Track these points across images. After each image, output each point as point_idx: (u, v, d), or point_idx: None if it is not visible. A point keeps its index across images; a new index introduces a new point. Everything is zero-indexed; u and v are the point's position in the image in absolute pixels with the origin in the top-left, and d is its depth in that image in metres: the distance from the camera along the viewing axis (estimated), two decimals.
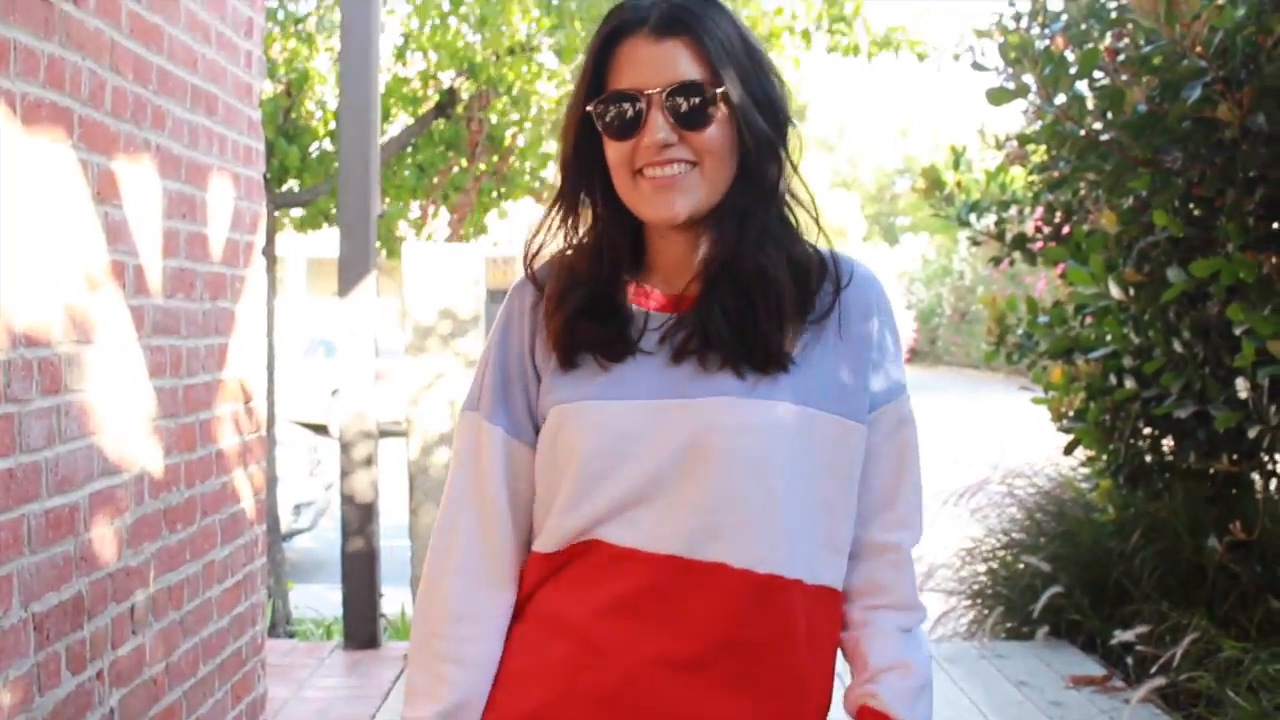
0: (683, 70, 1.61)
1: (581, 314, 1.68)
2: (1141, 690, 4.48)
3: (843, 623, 1.76)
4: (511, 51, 8.32)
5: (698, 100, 1.60)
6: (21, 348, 2.83)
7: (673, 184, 1.62)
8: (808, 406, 1.64)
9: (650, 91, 1.61)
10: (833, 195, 37.35)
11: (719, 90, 1.61)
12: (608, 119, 1.64)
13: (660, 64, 1.61)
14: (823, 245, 1.74)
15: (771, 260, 1.65)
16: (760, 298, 1.63)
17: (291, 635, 7.29)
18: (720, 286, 1.65)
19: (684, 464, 1.62)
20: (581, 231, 1.75)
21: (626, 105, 1.62)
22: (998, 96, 4.28)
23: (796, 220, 1.73)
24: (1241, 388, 4.16)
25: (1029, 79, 4.21)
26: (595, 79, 1.66)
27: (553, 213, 1.76)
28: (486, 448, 1.75)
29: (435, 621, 1.75)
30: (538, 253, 1.78)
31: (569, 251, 1.75)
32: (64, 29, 3.03)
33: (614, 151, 1.65)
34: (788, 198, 1.72)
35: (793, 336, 1.65)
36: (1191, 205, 4.42)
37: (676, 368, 1.65)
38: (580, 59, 1.69)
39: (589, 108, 1.66)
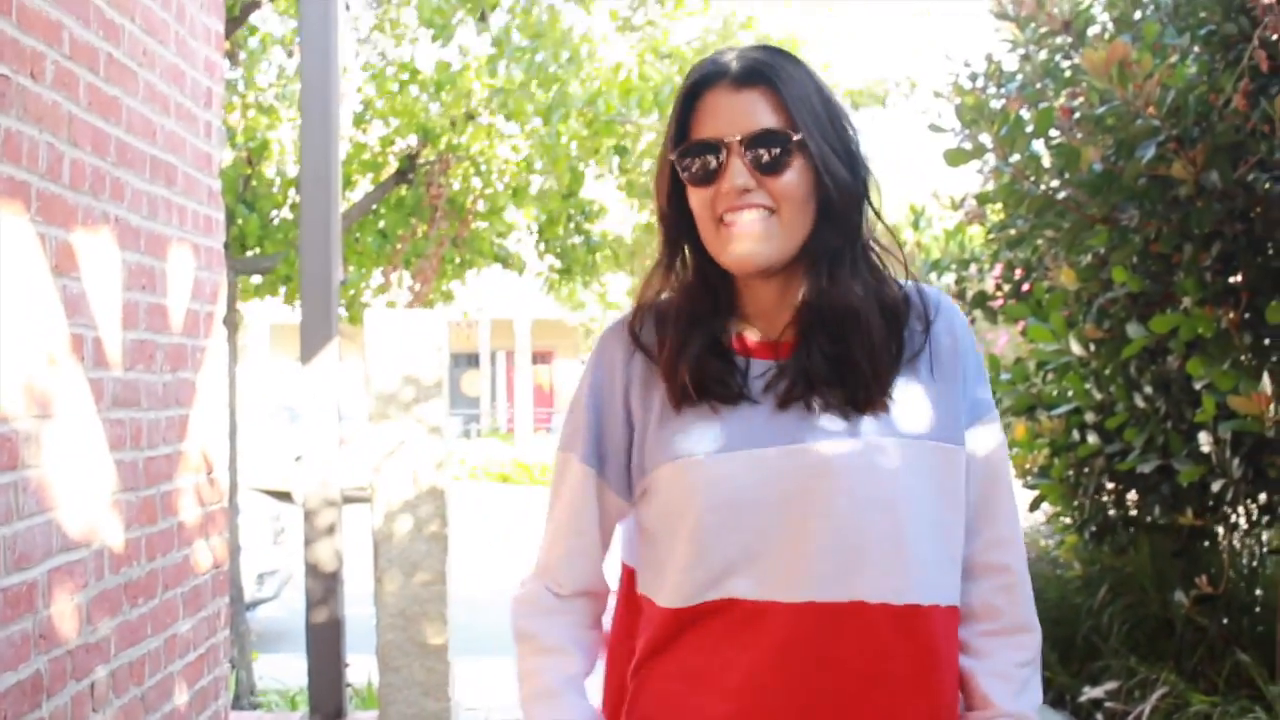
0: (760, 119, 1.66)
1: (707, 354, 1.72)
2: None
3: (961, 644, 1.77)
4: (470, 117, 8.35)
5: (776, 148, 1.65)
6: None
7: (752, 231, 1.66)
8: (913, 438, 1.69)
9: (729, 140, 1.66)
10: None
11: (796, 138, 1.65)
12: (691, 168, 1.70)
13: (739, 113, 1.67)
14: (908, 282, 1.80)
15: (862, 301, 1.70)
16: (855, 339, 1.69)
17: (256, 706, 7.19)
18: (816, 330, 1.70)
19: (805, 509, 1.66)
20: (677, 280, 1.81)
21: (708, 154, 1.67)
22: (955, 157, 4.32)
23: (884, 263, 1.78)
24: (1204, 442, 4.18)
25: (985, 139, 4.25)
26: (680, 130, 1.72)
27: (657, 263, 1.82)
28: (580, 485, 1.82)
29: (528, 619, 1.86)
30: (643, 305, 1.83)
31: (666, 297, 1.80)
32: (21, 102, 3.02)
33: (697, 199, 1.71)
34: (873, 241, 1.77)
35: (890, 373, 1.70)
36: (1149, 261, 4.45)
37: (783, 414, 1.69)
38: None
39: (672, 157, 1.72)
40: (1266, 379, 3.68)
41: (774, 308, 1.75)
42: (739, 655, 1.68)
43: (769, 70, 1.68)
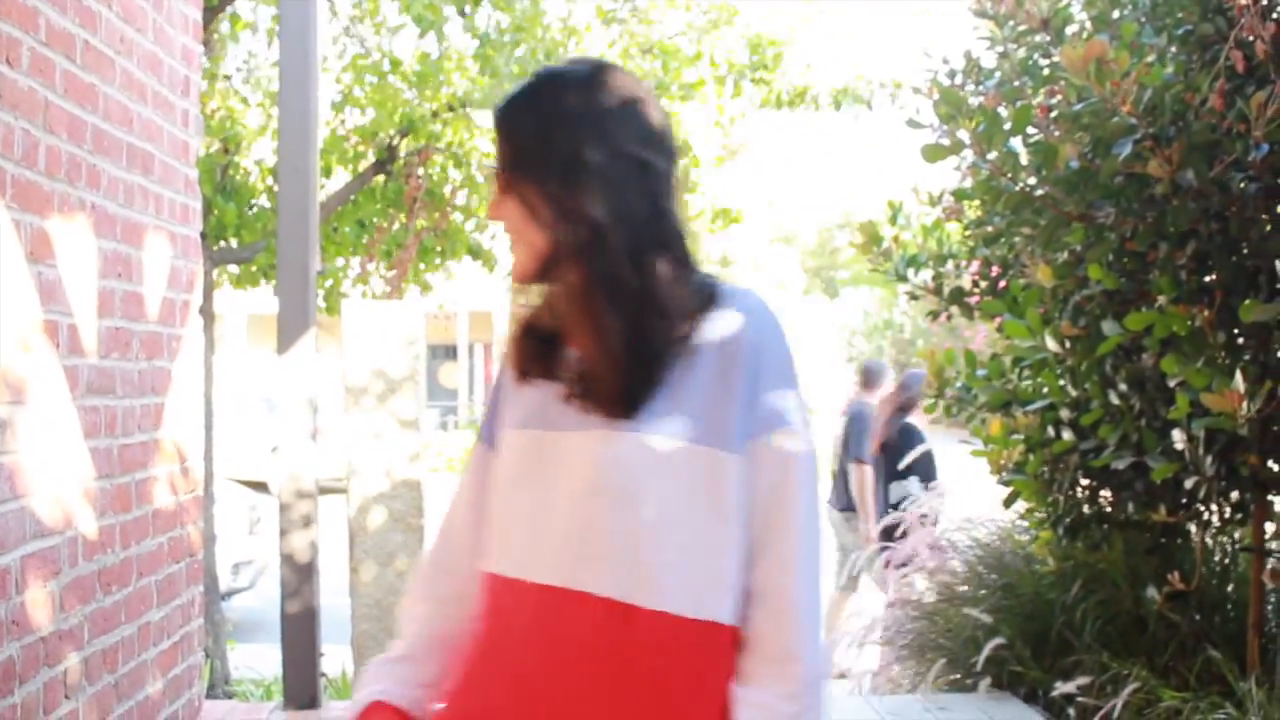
0: (497, 159, 1.80)
1: (527, 336, 1.83)
2: None
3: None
4: (451, 109, 8.34)
5: (500, 185, 1.78)
6: None
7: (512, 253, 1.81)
8: (678, 439, 1.69)
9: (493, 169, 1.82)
10: (772, 250, 37.55)
11: (508, 175, 1.77)
12: None
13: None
14: (719, 279, 1.82)
15: (608, 315, 1.71)
16: (606, 348, 1.71)
17: (230, 696, 7.19)
18: (597, 333, 1.72)
19: (551, 493, 1.74)
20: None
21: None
22: (933, 153, 4.32)
23: (684, 259, 1.78)
24: (1178, 439, 4.19)
25: (963, 135, 4.25)
26: None
27: None
28: (475, 461, 1.92)
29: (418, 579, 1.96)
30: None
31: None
32: None
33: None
34: (668, 240, 1.77)
35: (656, 374, 1.71)
36: (1125, 259, 4.47)
37: (564, 403, 1.76)
38: None
39: None
40: (1239, 377, 3.70)
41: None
42: (500, 629, 1.78)
43: (504, 107, 1.80)
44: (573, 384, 1.75)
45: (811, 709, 1.70)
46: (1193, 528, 5.22)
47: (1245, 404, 3.67)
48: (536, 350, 1.82)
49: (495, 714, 1.74)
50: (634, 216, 1.73)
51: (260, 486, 16.47)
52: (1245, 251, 4.14)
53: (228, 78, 8.60)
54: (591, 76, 1.77)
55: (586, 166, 1.72)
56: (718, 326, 1.74)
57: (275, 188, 6.93)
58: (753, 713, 1.69)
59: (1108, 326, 4.29)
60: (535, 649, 1.72)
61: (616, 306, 1.71)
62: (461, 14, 8.24)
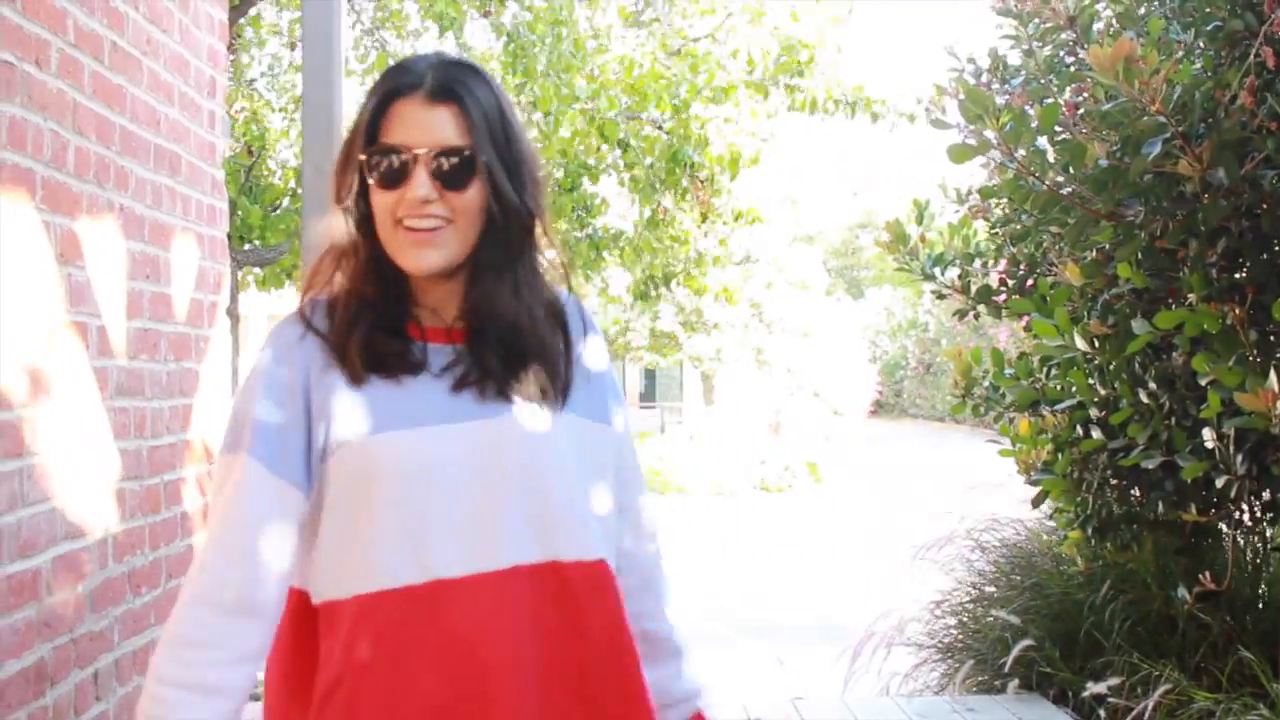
0: (448, 135, 1.76)
1: (377, 331, 1.79)
2: None
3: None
4: None
5: (459, 164, 1.76)
6: None
7: (429, 239, 1.76)
8: (573, 416, 1.87)
9: (418, 150, 1.75)
10: (794, 249, 37.49)
11: (480, 158, 1.77)
12: (379, 170, 1.77)
13: (429, 127, 1.76)
14: (562, 291, 1.97)
15: (526, 310, 1.84)
16: (521, 343, 1.83)
17: (256, 699, 7.20)
18: (486, 329, 1.82)
19: (497, 479, 1.77)
20: (348, 270, 1.86)
21: (395, 159, 1.76)
22: (959, 154, 4.30)
23: (545, 266, 1.92)
24: (1208, 438, 4.17)
25: (990, 135, 4.23)
26: (369, 131, 1.79)
27: (328, 252, 1.87)
28: (248, 486, 1.73)
29: (175, 649, 1.70)
30: (308, 292, 1.88)
31: (345, 286, 1.84)
32: (26, 90, 3.02)
33: (380, 200, 1.78)
34: (540, 255, 1.90)
35: (559, 366, 1.87)
36: (1154, 257, 4.44)
37: (460, 395, 1.79)
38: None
39: (362, 157, 1.79)
40: (1273, 376, 3.67)
41: (442, 300, 1.85)
42: (457, 636, 1.72)
43: (460, 89, 1.78)
44: (477, 379, 1.80)
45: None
46: (1224, 527, 5.19)
47: (1278, 403, 3.65)
48: (395, 347, 1.79)
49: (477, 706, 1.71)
50: (528, 207, 1.86)
51: None
52: (1277, 249, 4.11)
53: (253, 82, 8.63)
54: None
55: (524, 155, 1.83)
56: (587, 325, 1.98)
57: (299, 190, 6.94)
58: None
59: (1137, 325, 4.26)
60: (513, 630, 1.74)
61: (535, 303, 1.86)
62: (485, 14, 8.25)
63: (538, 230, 1.88)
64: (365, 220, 1.82)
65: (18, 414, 2.95)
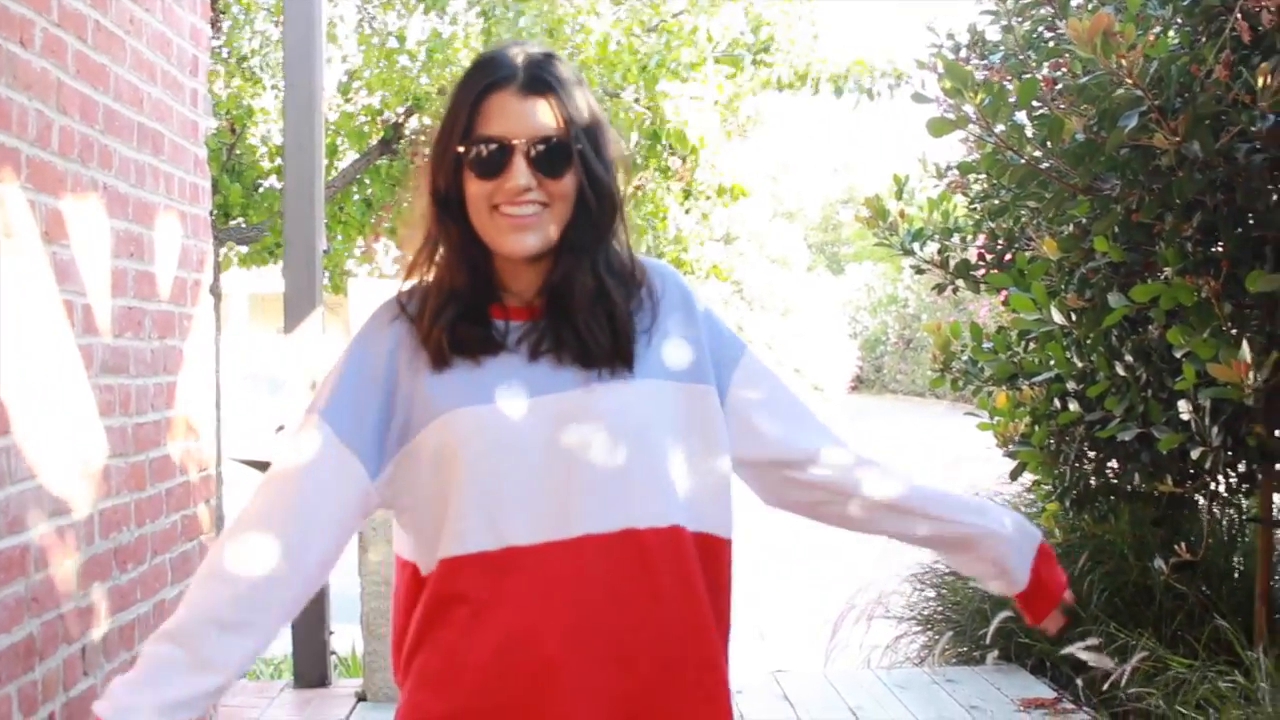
0: (545, 125, 1.84)
1: (461, 319, 1.87)
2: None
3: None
4: None
5: (556, 152, 1.84)
6: None
7: (527, 223, 1.83)
8: (656, 380, 1.90)
9: (516, 141, 1.82)
10: (775, 225, 37.52)
11: (576, 146, 1.84)
12: (477, 161, 1.84)
13: (525, 117, 1.84)
14: (642, 257, 2.02)
15: (605, 283, 1.89)
16: (599, 309, 1.88)
17: (241, 675, 7.23)
18: (564, 301, 1.88)
19: (570, 449, 1.82)
20: (441, 258, 1.93)
21: (494, 149, 1.83)
22: (938, 127, 4.33)
23: (625, 241, 1.98)
24: (1184, 410, 4.22)
25: (969, 109, 4.26)
26: (466, 123, 1.85)
27: (426, 240, 1.94)
28: (312, 444, 1.85)
29: (204, 579, 1.83)
30: (407, 278, 1.96)
31: (432, 275, 1.93)
32: (11, 69, 3.03)
33: (476, 188, 1.85)
34: (621, 229, 1.96)
35: (629, 333, 1.89)
36: (1131, 231, 4.48)
37: (535, 365, 1.86)
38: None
39: (459, 149, 1.85)
40: (1245, 347, 3.72)
41: (529, 285, 1.91)
42: (523, 603, 1.79)
43: (552, 79, 1.86)
44: (551, 346, 1.86)
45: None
46: (1200, 498, 5.25)
47: (1252, 374, 3.69)
48: (476, 333, 1.86)
49: (549, 675, 1.77)
50: (617, 189, 1.94)
51: (264, 467, 16.50)
52: (1252, 222, 4.15)
53: (244, 59, 8.62)
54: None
55: (610, 141, 1.91)
56: (669, 291, 1.99)
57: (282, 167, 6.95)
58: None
59: (1114, 298, 4.31)
60: (588, 598, 1.80)
61: (614, 277, 1.91)
62: None
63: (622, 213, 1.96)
64: (458, 207, 1.88)
65: (4, 392, 2.98)
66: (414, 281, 1.94)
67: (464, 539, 1.81)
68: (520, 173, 1.81)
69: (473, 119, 1.84)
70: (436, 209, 1.90)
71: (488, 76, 1.86)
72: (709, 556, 1.90)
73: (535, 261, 1.89)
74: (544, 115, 1.83)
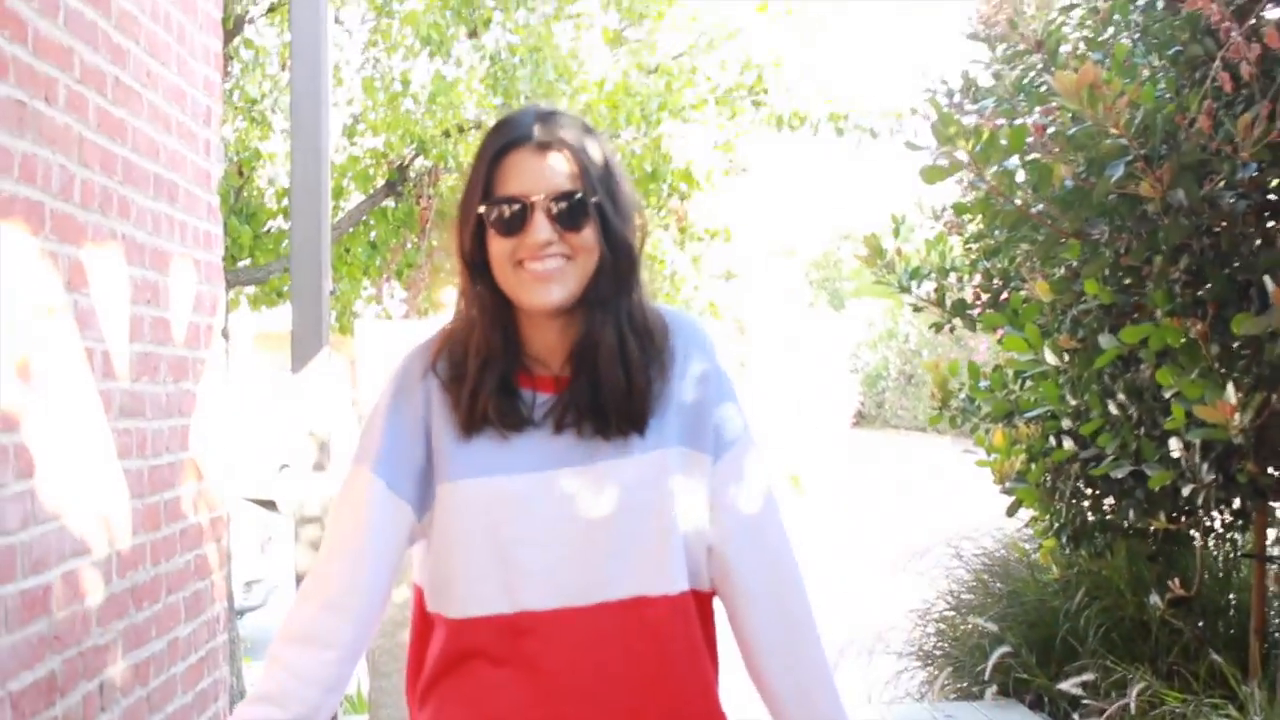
0: (562, 181, 1.89)
1: (490, 392, 1.92)
2: None
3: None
4: (461, 129, 8.47)
5: (574, 206, 1.89)
6: None
7: (551, 276, 1.89)
8: (679, 447, 1.95)
9: (535, 197, 1.88)
10: (775, 263, 37.53)
11: (593, 199, 1.90)
12: (498, 218, 1.90)
13: (542, 174, 1.89)
14: (665, 308, 2.06)
15: (628, 344, 1.94)
16: (618, 374, 1.92)
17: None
18: (588, 366, 1.93)
19: (589, 520, 1.90)
20: (470, 318, 1.99)
21: (514, 207, 1.88)
22: (932, 174, 4.41)
23: (645, 293, 2.01)
24: (1175, 447, 4.29)
25: (961, 155, 4.35)
26: (486, 184, 1.92)
27: (460, 297, 2.01)
28: (368, 499, 1.93)
29: (282, 642, 1.92)
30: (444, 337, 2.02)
31: (457, 331, 1.99)
32: (36, 126, 3.14)
33: (499, 246, 1.91)
34: (641, 283, 2.01)
35: (646, 399, 1.93)
36: (1120, 274, 4.56)
37: (559, 438, 1.92)
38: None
39: (481, 210, 1.91)
40: (1230, 388, 3.80)
41: (555, 344, 1.97)
42: (540, 664, 1.88)
43: (567, 135, 1.92)
44: (573, 420, 1.92)
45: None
46: (1195, 534, 5.31)
47: (1238, 415, 3.77)
48: (504, 407, 1.92)
49: None
50: (634, 242, 1.99)
51: (269, 505, 16.54)
52: (1237, 266, 4.23)
53: (254, 103, 8.72)
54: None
55: (627, 195, 1.97)
56: (689, 352, 2.02)
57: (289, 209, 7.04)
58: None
59: (1104, 339, 4.39)
60: (601, 662, 1.88)
61: (638, 335, 1.96)
62: (472, 35, 8.37)
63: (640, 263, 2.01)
64: (482, 266, 1.94)
65: (29, 438, 3.07)
66: (438, 328, 2.02)
67: (481, 602, 1.90)
68: (541, 227, 1.86)
69: (491, 180, 1.91)
70: (466, 269, 1.96)
71: (503, 138, 1.92)
72: (703, 610, 1.99)
73: (558, 318, 1.94)
74: (560, 169, 1.89)
